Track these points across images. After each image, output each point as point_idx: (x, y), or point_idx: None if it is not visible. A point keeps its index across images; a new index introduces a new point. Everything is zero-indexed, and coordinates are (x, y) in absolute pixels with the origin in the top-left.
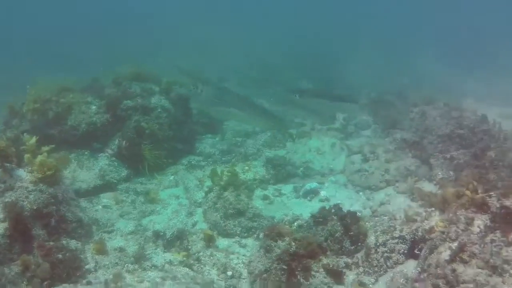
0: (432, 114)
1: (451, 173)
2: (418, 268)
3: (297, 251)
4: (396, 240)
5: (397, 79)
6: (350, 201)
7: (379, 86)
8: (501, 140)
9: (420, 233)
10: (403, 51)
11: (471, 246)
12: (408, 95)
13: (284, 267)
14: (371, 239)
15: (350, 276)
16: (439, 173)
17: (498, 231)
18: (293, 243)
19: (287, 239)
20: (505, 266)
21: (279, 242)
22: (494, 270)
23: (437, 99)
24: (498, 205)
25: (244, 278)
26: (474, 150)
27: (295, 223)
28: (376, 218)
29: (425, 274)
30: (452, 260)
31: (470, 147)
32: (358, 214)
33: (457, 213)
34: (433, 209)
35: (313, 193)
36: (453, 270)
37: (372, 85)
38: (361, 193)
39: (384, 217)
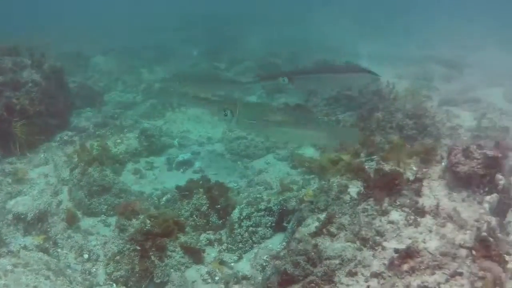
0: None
1: None
2: (284, 243)
3: (152, 229)
4: (262, 213)
5: (295, 43)
6: (227, 171)
7: (272, 50)
8: (390, 101)
9: (293, 204)
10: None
11: (340, 217)
12: (301, 58)
13: (137, 247)
14: (235, 212)
15: (212, 254)
16: None
17: (371, 199)
18: (148, 221)
19: (141, 216)
20: (378, 238)
21: (133, 220)
22: (365, 243)
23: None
24: (373, 170)
25: (101, 261)
26: (361, 111)
27: (164, 198)
28: (251, 189)
29: (285, 251)
30: (317, 233)
31: (358, 109)
32: (235, 185)
33: (330, 180)
34: (312, 176)
35: (186, 164)
36: (315, 246)
37: (265, 49)
38: (239, 162)
39: (260, 187)
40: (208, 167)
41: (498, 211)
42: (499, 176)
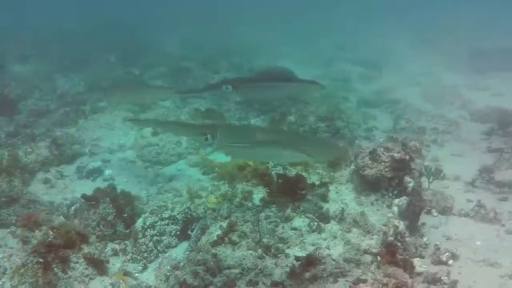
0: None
1: None
2: (187, 252)
3: (54, 241)
4: (166, 221)
5: (211, 46)
6: (138, 178)
7: (186, 54)
8: (303, 104)
9: (201, 211)
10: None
11: (242, 225)
12: (218, 61)
13: (41, 260)
14: (139, 222)
15: (117, 265)
16: None
17: (274, 205)
18: (51, 232)
19: (44, 228)
20: (280, 245)
21: (37, 232)
22: (267, 250)
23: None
24: (276, 176)
25: (8, 274)
26: (274, 115)
27: (73, 208)
28: (160, 196)
29: (185, 261)
30: (218, 242)
31: (271, 112)
32: (145, 192)
33: (236, 187)
34: (222, 182)
35: (96, 172)
36: (215, 255)
37: (179, 53)
38: (150, 169)
39: (169, 194)
40: (119, 175)
41: (409, 214)
42: (407, 178)
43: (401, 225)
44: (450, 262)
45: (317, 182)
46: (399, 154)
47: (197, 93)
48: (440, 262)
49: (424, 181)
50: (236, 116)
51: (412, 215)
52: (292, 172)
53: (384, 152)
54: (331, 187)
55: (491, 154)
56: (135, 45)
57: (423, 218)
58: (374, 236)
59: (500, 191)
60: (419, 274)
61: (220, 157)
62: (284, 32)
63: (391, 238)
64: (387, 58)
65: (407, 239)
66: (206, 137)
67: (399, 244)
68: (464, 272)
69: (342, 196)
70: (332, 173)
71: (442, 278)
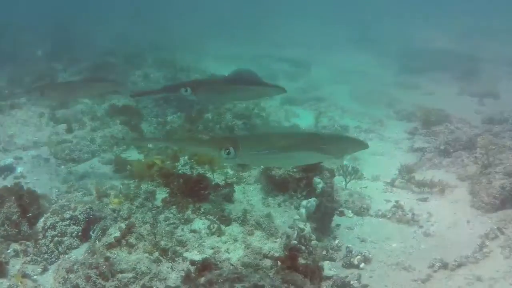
0: (156, 76)
1: None
2: (86, 254)
3: None
4: (67, 222)
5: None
6: (50, 176)
7: (111, 49)
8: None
9: (108, 211)
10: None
11: (140, 226)
12: (144, 57)
13: None
14: (40, 222)
15: (17, 266)
16: None
17: (174, 206)
18: None
19: None
20: (178, 248)
21: None
22: (165, 254)
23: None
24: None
25: None
26: (190, 112)
27: None
28: (69, 195)
29: (78, 264)
30: (113, 244)
31: (190, 109)
32: (56, 191)
33: (141, 186)
34: (133, 181)
35: (8, 170)
36: (107, 258)
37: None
38: (62, 166)
39: (78, 193)
40: (30, 172)
41: (320, 215)
42: (316, 179)
43: (307, 228)
44: (362, 265)
45: (222, 183)
46: None
47: (152, 94)
48: (351, 266)
49: (342, 181)
50: (154, 112)
51: (323, 216)
52: (199, 171)
53: None
54: (238, 188)
55: (414, 153)
56: (66, 39)
57: (338, 219)
58: (278, 239)
59: (420, 191)
60: (329, 278)
61: (134, 155)
62: (218, 28)
63: (295, 242)
64: (319, 56)
65: (313, 242)
66: (227, 151)
67: (303, 247)
68: (375, 276)
69: (249, 197)
70: (240, 173)
71: (352, 282)
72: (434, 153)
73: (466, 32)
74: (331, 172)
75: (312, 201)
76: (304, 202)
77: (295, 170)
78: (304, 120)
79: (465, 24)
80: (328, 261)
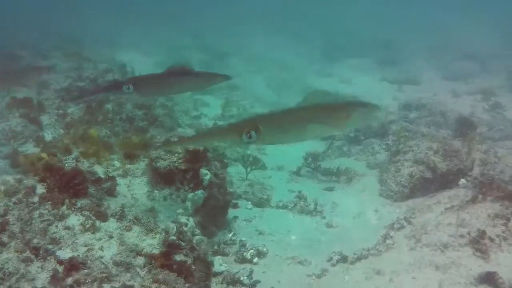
0: (63, 68)
1: (62, 131)
2: None
3: None
4: None
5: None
6: None
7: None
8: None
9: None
10: None
11: (14, 224)
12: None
13: None
14: None
15: None
16: (49, 133)
17: (50, 202)
18: None
19: None
20: (51, 247)
21: None
22: (37, 252)
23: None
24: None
25: None
26: (91, 103)
27: None
28: None
29: None
30: None
31: (91, 101)
32: None
33: (24, 181)
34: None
35: None
36: None
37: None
38: None
39: None
40: None
41: (211, 208)
42: (203, 170)
43: (190, 222)
44: (256, 260)
45: (103, 176)
46: None
47: (92, 95)
48: (244, 261)
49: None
50: (55, 104)
51: (215, 209)
52: (85, 164)
53: None
54: (123, 181)
55: (323, 142)
56: None
57: (235, 211)
58: (157, 235)
59: (327, 180)
60: (219, 274)
61: (32, 149)
62: (135, 18)
63: (173, 238)
64: (240, 45)
65: (197, 237)
66: (249, 135)
67: (183, 243)
68: (269, 271)
69: (134, 191)
70: (128, 165)
71: (242, 278)
72: (343, 140)
73: (389, 20)
74: (222, 162)
75: (199, 193)
76: (190, 195)
77: (180, 161)
78: (214, 109)
79: (389, 12)
80: (220, 256)
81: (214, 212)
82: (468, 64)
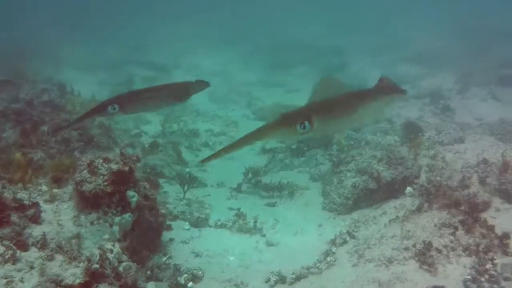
0: None
1: None
2: None
3: None
4: None
5: None
6: None
7: None
8: (63, 112)
9: None
10: None
11: None
12: None
13: None
14: None
15: None
16: None
17: None
18: None
19: None
20: None
21: None
22: None
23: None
24: None
25: None
26: (23, 126)
27: None
28: None
29: None
30: None
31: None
32: None
33: None
34: None
35: None
36: None
37: None
38: None
39: None
40: None
41: (142, 231)
42: (130, 192)
43: (116, 248)
44: (190, 284)
45: (27, 202)
46: (117, 165)
47: (77, 122)
48: (178, 286)
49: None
50: None
51: (148, 232)
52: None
53: (103, 164)
54: (50, 206)
55: (266, 155)
56: None
57: (171, 233)
58: (81, 264)
59: (268, 196)
60: None
61: None
62: (78, 33)
63: (96, 266)
64: (184, 58)
65: (124, 264)
66: (303, 126)
67: (107, 271)
68: None
69: (60, 216)
70: (55, 190)
71: None
72: (286, 153)
73: (334, 25)
74: (153, 182)
75: (127, 217)
76: (117, 219)
77: (105, 183)
78: (155, 126)
79: (334, 18)
80: (153, 282)
81: (147, 235)
82: (416, 67)
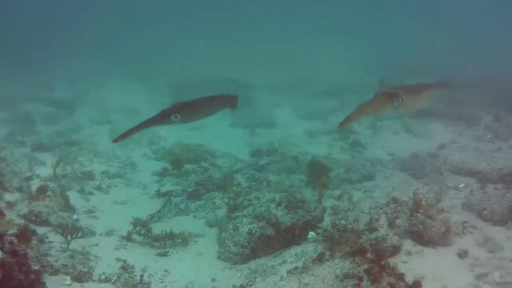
0: None
1: None
2: None
3: None
4: None
5: None
6: None
7: None
8: None
9: None
10: None
11: None
12: None
13: None
14: None
15: None
16: None
17: None
18: None
19: None
20: None
21: None
22: None
23: None
24: None
25: None
26: None
27: None
28: None
29: None
30: None
31: None
32: None
33: None
34: None
35: None
36: None
37: None
38: None
39: None
40: None
41: None
42: None
43: None
44: None
45: None
46: None
47: (142, 128)
48: None
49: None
50: None
51: None
52: None
53: None
54: None
55: (161, 199)
56: None
57: None
58: None
59: (161, 245)
60: None
61: None
62: None
63: None
64: (88, 94)
65: None
66: (398, 102)
67: None
68: None
69: None
70: None
71: None
72: (182, 196)
73: (245, 61)
74: (24, 235)
75: None
76: None
77: None
78: (49, 168)
79: (245, 54)
80: None
81: None
82: (328, 101)
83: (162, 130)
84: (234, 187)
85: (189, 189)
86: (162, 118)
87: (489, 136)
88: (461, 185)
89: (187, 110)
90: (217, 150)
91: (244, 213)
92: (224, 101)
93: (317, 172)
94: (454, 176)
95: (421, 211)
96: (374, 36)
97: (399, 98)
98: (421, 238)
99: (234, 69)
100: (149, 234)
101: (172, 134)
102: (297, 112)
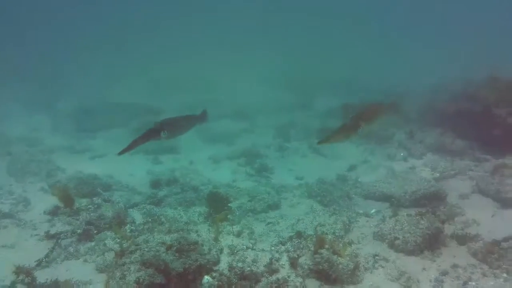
0: None
1: None
2: None
3: None
4: None
5: None
6: None
7: None
8: None
9: None
10: None
11: None
12: None
13: None
14: None
15: None
16: None
17: None
18: None
19: None
20: None
21: None
22: None
23: None
24: None
25: None
26: None
27: None
28: None
29: None
30: None
31: None
32: None
33: None
34: None
35: None
36: None
37: None
38: None
39: None
40: None
41: None
42: None
43: None
44: None
45: None
46: None
47: (137, 145)
48: None
49: None
50: None
51: None
52: None
53: None
54: None
55: (50, 241)
56: None
57: None
58: None
59: None
60: None
61: None
62: None
63: None
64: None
65: None
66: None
67: None
68: None
69: None
70: None
71: None
72: (72, 238)
73: (153, 85)
74: None
75: None
76: None
77: None
78: None
79: (152, 77)
80: None
81: None
82: (238, 123)
83: (62, 161)
84: (122, 229)
85: (78, 230)
86: (154, 134)
87: (402, 154)
88: (372, 211)
89: (172, 127)
90: (116, 182)
91: (132, 259)
92: (198, 117)
93: (217, 205)
94: (364, 201)
95: (326, 246)
96: (284, 52)
97: (361, 127)
98: (328, 277)
99: (138, 94)
100: (33, 283)
101: (72, 165)
102: (201, 135)
